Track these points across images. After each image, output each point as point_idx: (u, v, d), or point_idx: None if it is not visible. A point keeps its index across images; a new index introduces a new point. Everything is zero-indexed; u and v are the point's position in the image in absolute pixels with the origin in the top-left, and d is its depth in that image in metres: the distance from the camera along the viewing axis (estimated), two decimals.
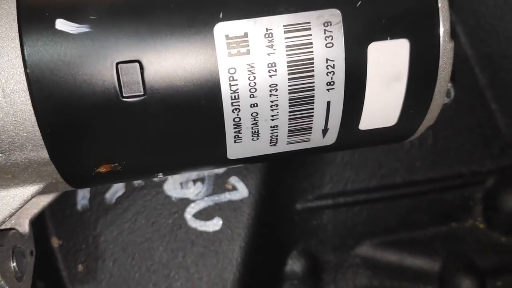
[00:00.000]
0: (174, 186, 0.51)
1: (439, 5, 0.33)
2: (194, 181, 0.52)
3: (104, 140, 0.32)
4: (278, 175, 0.56)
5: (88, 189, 0.51)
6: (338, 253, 0.62)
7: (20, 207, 0.36)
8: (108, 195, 0.51)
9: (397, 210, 0.62)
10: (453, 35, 0.34)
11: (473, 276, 0.60)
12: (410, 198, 0.62)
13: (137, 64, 0.30)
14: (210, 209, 0.51)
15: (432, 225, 0.63)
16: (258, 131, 0.34)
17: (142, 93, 0.31)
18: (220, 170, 0.52)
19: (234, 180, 0.52)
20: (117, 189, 0.51)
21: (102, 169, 0.34)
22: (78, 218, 0.51)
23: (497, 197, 0.62)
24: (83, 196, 0.51)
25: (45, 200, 0.39)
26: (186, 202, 0.51)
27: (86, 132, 0.32)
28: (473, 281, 0.60)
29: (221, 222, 0.51)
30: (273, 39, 0.31)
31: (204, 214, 0.51)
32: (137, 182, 0.51)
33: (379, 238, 0.62)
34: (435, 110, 0.36)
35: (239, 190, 0.52)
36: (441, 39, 0.33)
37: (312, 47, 0.32)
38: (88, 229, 0.51)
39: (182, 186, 0.51)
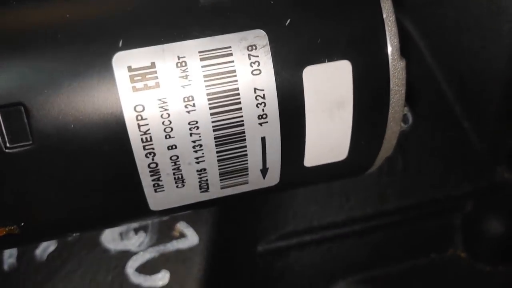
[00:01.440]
0: (113, 237, 0.45)
1: (384, 16, 0.28)
2: (136, 230, 0.46)
3: None
4: (234, 216, 0.50)
5: None
6: None
7: None
8: (38, 251, 0.45)
9: (370, 244, 0.56)
10: (404, 52, 0.29)
11: None
12: (383, 230, 0.56)
13: (21, 108, 0.25)
14: (155, 261, 0.45)
15: (409, 258, 0.58)
16: (182, 176, 0.28)
17: (29, 142, 0.25)
18: (165, 216, 0.46)
19: (182, 225, 0.46)
20: (48, 244, 0.45)
21: None
22: (4, 279, 0.44)
23: (476, 223, 0.57)
24: (9, 254, 0.45)
25: None
26: (127, 254, 0.45)
27: None
28: None
29: (168, 275, 0.45)
30: (187, 69, 0.26)
31: (148, 268, 0.45)
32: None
33: (352, 276, 0.56)
34: (391, 139, 0.31)
35: (188, 237, 0.46)
36: (390, 57, 0.28)
37: (235, 76, 0.26)
38: None
39: (122, 237, 0.45)
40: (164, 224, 0.46)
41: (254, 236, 0.53)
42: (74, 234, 0.32)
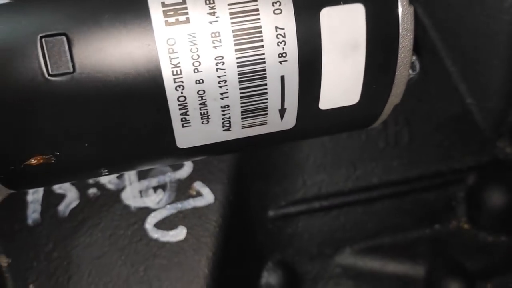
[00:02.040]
0: (133, 194, 0.47)
1: None
2: (155, 188, 0.48)
3: (31, 126, 0.29)
4: (247, 179, 0.52)
5: (39, 201, 0.47)
6: (317, 263, 0.58)
7: None
8: (61, 207, 0.47)
9: (376, 213, 0.58)
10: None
11: (462, 279, 0.57)
12: (389, 200, 0.58)
13: (63, 38, 0.27)
14: (173, 217, 0.47)
15: (415, 228, 0.60)
16: (207, 112, 0.31)
17: (71, 70, 0.28)
18: (183, 175, 0.48)
19: (198, 185, 0.48)
20: (70, 201, 0.47)
21: (33, 161, 0.30)
22: (28, 233, 0.47)
23: (479, 194, 0.59)
24: (34, 209, 0.47)
25: None
26: (146, 211, 0.47)
27: (10, 117, 0.28)
28: (462, 285, 0.56)
29: (185, 231, 0.47)
30: (214, 6, 0.28)
31: (166, 224, 0.47)
32: (91, 191, 0.47)
33: (359, 244, 0.58)
34: (401, 85, 0.33)
35: (204, 196, 0.48)
36: (399, 3, 0.31)
37: (258, 14, 0.29)
38: (39, 245, 0.46)
39: (142, 194, 0.48)
40: (182, 183, 0.48)
41: (265, 201, 0.55)
42: (104, 173, 0.34)
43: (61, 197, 0.47)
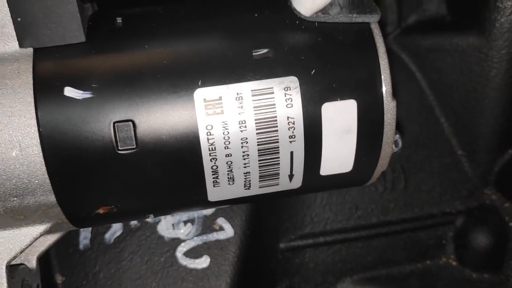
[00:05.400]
0: (167, 227, 0.57)
1: (381, 69, 0.40)
2: (185, 222, 0.57)
3: (102, 186, 0.38)
4: (262, 216, 0.61)
5: (90, 229, 0.57)
6: None
7: (30, 244, 0.41)
8: (107, 235, 0.57)
9: (375, 248, 0.67)
10: (395, 94, 0.41)
11: None
12: (385, 237, 0.67)
13: (130, 123, 0.37)
14: (199, 247, 0.57)
15: (408, 263, 0.68)
16: (233, 177, 0.40)
17: (134, 147, 0.37)
18: (209, 212, 0.58)
19: (221, 221, 0.58)
20: (115, 230, 0.57)
21: (100, 211, 0.40)
22: (80, 256, 0.56)
23: (466, 235, 0.67)
24: (85, 236, 0.57)
25: (51, 238, 0.45)
26: (177, 241, 0.57)
27: (87, 179, 0.38)
28: None
29: (209, 259, 0.56)
30: (242, 102, 0.38)
31: (193, 253, 0.56)
32: (133, 223, 0.57)
33: (358, 275, 0.67)
34: (385, 158, 0.42)
35: (226, 230, 0.57)
36: (384, 98, 0.40)
37: (275, 107, 0.38)
38: (88, 266, 0.56)
39: (174, 227, 0.57)
40: (207, 218, 0.57)
41: (277, 235, 0.64)
42: (149, 217, 0.44)
43: (108, 227, 0.57)
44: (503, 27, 0.59)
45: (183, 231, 0.57)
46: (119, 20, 0.40)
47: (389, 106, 0.40)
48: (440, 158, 0.68)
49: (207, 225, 0.57)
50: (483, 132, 0.66)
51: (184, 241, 0.57)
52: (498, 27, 0.59)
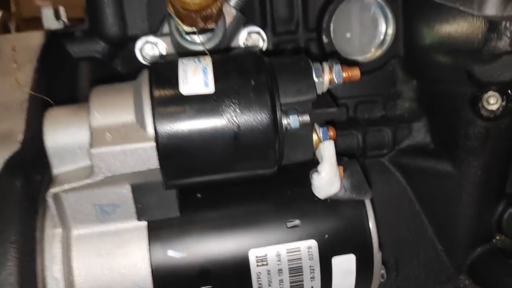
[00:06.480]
0: None
1: (372, 234, 0.60)
2: None
3: None
4: None
5: None
6: None
7: None
8: None
9: None
10: (380, 246, 0.61)
11: None
12: None
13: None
14: None
15: None
16: None
17: None
18: None
19: None
20: None
21: None
22: None
23: None
24: None
25: None
26: None
27: None
28: None
29: None
30: (280, 257, 0.58)
31: None
32: None
33: None
34: (375, 286, 0.63)
35: None
36: (374, 252, 0.60)
37: (301, 261, 0.59)
38: None
39: None
40: None
41: None
42: None
43: None
44: (472, 165, 0.79)
45: None
46: (198, 195, 0.61)
47: (377, 257, 0.60)
48: (425, 252, 0.88)
49: None
50: (458, 234, 0.86)
51: None
52: (467, 164, 0.79)
